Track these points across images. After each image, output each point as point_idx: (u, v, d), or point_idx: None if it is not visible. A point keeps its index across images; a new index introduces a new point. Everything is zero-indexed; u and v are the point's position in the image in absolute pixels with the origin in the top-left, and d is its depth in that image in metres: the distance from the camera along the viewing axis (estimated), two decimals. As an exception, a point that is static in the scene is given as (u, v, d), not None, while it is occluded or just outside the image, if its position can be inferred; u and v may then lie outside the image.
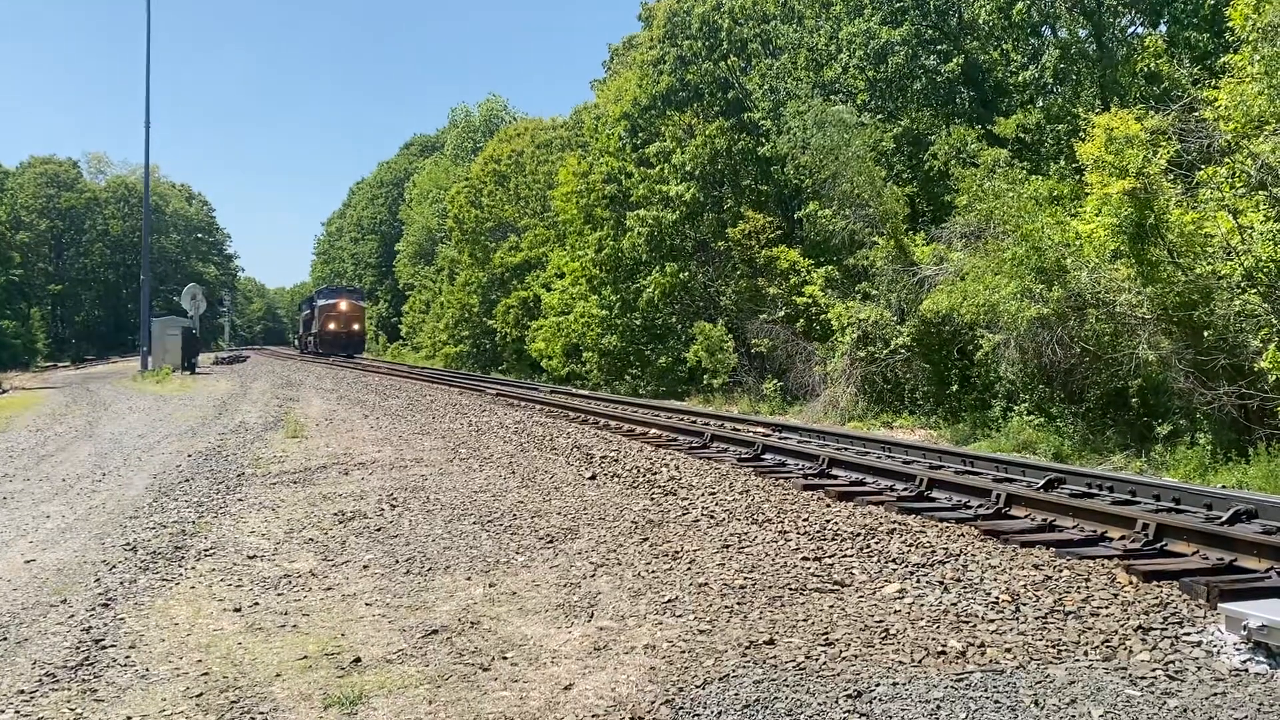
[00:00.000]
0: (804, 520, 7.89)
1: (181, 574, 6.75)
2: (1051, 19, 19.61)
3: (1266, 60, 11.31)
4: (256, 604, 6.02)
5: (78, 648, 5.24)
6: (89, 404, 22.88)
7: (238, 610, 5.89)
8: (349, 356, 56.44)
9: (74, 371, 49.38)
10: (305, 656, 5.07)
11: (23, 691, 4.66)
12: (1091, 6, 18.07)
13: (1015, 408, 15.91)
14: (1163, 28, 18.28)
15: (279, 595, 6.21)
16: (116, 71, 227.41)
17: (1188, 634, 5.16)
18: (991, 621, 5.38)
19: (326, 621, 5.66)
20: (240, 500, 9.47)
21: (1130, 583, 6.07)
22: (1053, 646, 5.00)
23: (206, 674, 4.85)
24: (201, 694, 4.59)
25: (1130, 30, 19.19)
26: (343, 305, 60.86)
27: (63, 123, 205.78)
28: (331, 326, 59.99)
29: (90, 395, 26.02)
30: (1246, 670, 4.72)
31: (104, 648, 5.25)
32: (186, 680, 4.77)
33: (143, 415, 18.95)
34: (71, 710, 4.43)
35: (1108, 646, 5.00)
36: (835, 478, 10.59)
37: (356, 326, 61.45)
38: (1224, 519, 7.77)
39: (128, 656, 5.11)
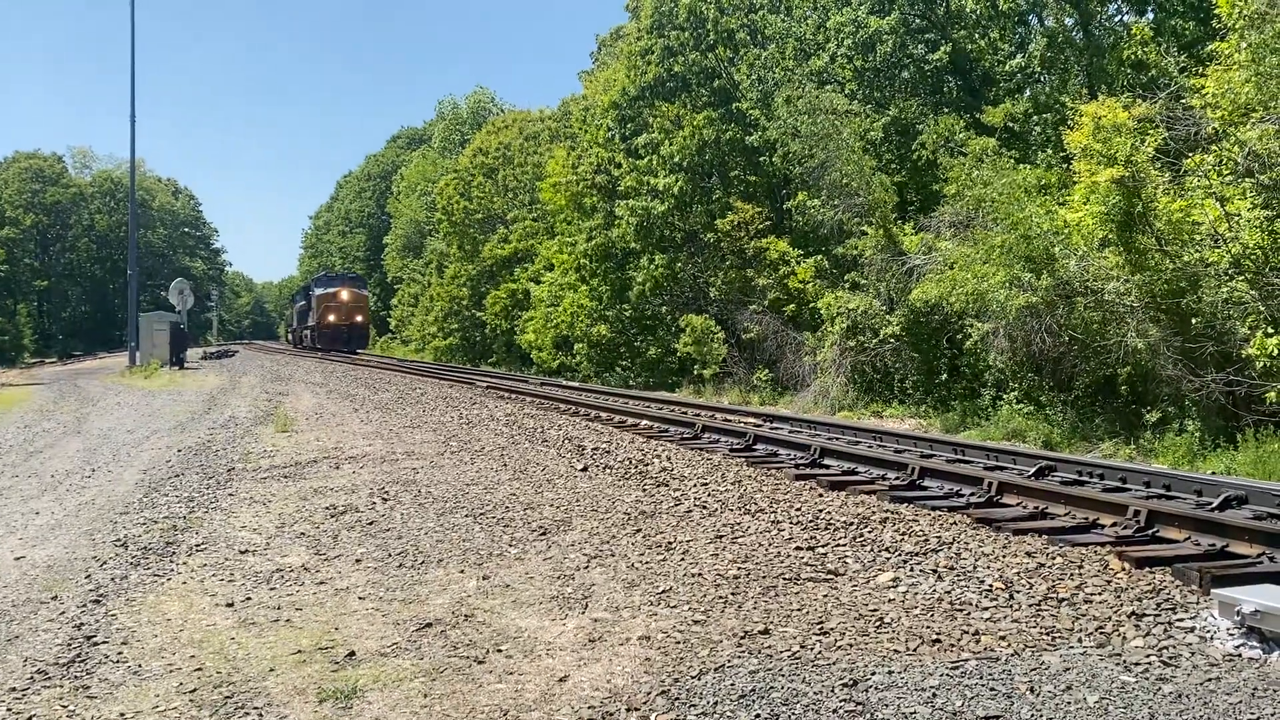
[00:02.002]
0: (797, 510, 7.89)
1: (173, 569, 6.71)
2: (1039, 7, 19.65)
3: (1253, 47, 11.34)
4: (249, 599, 5.99)
5: (69, 644, 5.20)
6: (77, 400, 22.74)
7: (230, 605, 5.86)
8: (350, 352, 50.95)
9: (61, 367, 49.10)
10: (299, 651, 5.04)
11: (14, 689, 4.63)
12: (1078, -5, 18.11)
13: (1005, 396, 15.96)
14: (1150, 15, 18.32)
15: (271, 590, 6.18)
16: (101, 66, 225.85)
17: (1181, 620, 5.18)
18: (986, 609, 5.39)
19: (319, 616, 5.64)
20: (231, 495, 9.42)
21: (1123, 569, 6.09)
22: (1047, 634, 5.01)
23: (200, 669, 4.82)
24: (195, 689, 4.57)
25: (1117, 18, 19.26)
26: (344, 294, 54.21)
27: (47, 117, 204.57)
28: (331, 319, 53.89)
29: (78, 391, 25.86)
30: (1240, 655, 4.74)
31: (96, 644, 5.21)
32: (179, 676, 4.74)
33: (131, 411, 18.84)
34: (64, 707, 4.40)
35: (1102, 633, 5.02)
36: (827, 467, 10.60)
37: (359, 319, 55.13)
38: (1214, 505, 7.80)
39: (120, 653, 5.08)
